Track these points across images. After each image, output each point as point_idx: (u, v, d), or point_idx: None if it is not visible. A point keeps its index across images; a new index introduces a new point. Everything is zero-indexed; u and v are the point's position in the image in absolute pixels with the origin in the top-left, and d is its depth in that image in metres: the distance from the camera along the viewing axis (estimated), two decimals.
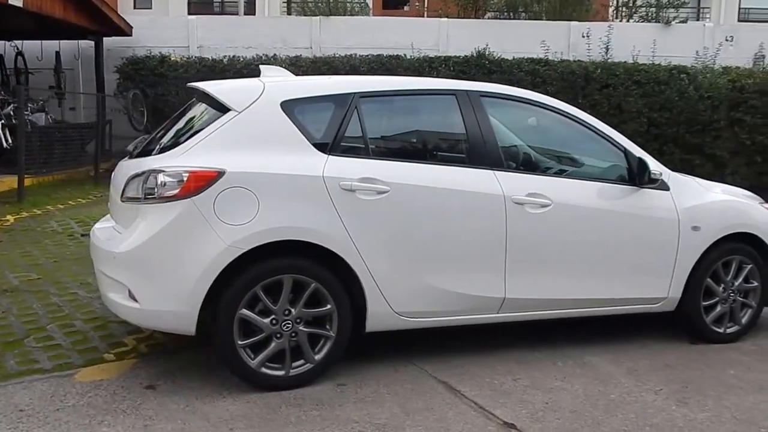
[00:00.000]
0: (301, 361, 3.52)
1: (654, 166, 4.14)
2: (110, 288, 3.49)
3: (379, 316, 3.63)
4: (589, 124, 4.24)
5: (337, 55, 10.95)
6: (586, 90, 10.11)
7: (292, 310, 3.45)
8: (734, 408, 3.49)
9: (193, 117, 3.94)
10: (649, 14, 12.22)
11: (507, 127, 4.05)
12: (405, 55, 10.86)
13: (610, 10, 13.06)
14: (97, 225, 4.09)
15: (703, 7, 15.23)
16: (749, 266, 4.48)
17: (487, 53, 10.62)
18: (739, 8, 17.42)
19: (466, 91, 3.99)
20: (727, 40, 10.92)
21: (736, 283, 4.45)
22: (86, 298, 4.87)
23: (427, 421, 3.22)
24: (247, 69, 10.81)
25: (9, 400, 3.32)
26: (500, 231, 3.81)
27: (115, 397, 3.38)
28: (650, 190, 4.18)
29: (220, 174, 3.32)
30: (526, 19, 12.00)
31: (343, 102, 3.70)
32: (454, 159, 3.92)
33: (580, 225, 4.01)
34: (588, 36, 10.94)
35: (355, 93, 3.75)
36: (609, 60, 10.60)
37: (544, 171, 4.11)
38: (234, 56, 11.15)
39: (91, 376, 3.62)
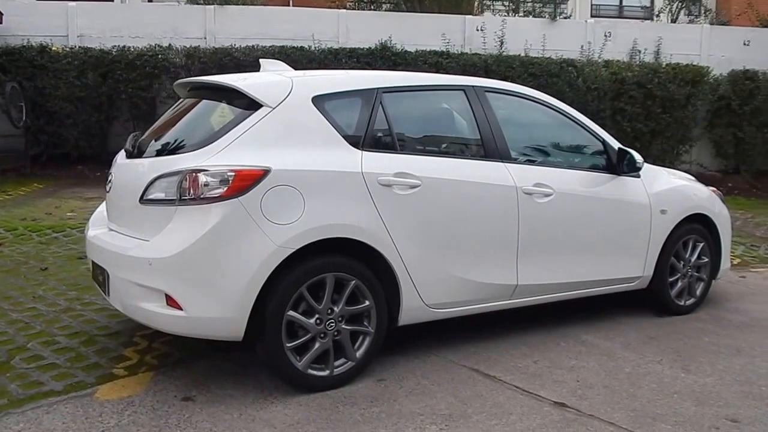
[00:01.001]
0: (342, 360, 3.48)
1: (637, 156, 4.49)
2: (142, 297, 3.23)
3: (412, 310, 3.67)
4: (574, 117, 4.53)
5: (237, 46, 10.57)
6: None
7: (335, 308, 3.40)
8: (729, 371, 3.91)
9: (209, 114, 3.75)
10: (535, 9, 13.00)
11: (508, 121, 4.20)
12: (309, 46, 10.73)
13: (497, 4, 13.68)
14: (92, 231, 3.76)
15: (559, 3, 16.19)
16: (702, 244, 4.99)
17: (389, 45, 10.75)
18: (591, 5, 18.75)
19: (473, 86, 4.11)
20: (606, 36, 11.86)
21: (693, 260, 4.95)
22: (50, 312, 4.44)
23: (486, 407, 3.31)
24: (141, 60, 10.21)
25: (38, 426, 3.00)
26: (514, 220, 3.97)
27: (157, 412, 3.16)
28: (627, 177, 4.54)
29: (266, 172, 3.19)
30: (421, 12, 12.25)
31: (369, 97, 3.68)
32: (470, 152, 4.02)
33: (576, 212, 4.27)
34: (482, 29, 11.40)
35: (378, 88, 3.74)
36: (504, 53, 11.13)
37: (542, 162, 4.31)
38: (124, 46, 10.42)
39: (113, 393, 3.35)
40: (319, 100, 3.52)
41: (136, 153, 3.74)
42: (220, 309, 3.16)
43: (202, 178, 3.14)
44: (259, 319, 3.22)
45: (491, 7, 13.55)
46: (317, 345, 3.37)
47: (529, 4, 13.50)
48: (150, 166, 3.47)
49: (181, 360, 3.77)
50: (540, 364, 3.91)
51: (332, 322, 3.39)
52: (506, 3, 13.57)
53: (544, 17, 12.39)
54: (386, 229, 3.49)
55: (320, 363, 3.41)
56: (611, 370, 3.86)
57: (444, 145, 4.01)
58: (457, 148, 4.03)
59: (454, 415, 3.23)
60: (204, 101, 3.88)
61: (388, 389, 3.49)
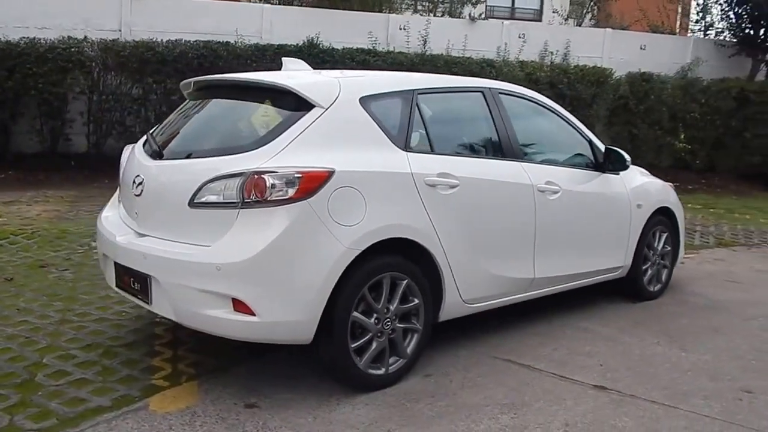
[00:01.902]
0: (395, 358, 3.54)
1: (626, 155, 4.85)
2: (205, 304, 3.11)
3: (452, 306, 3.79)
4: (567, 118, 4.82)
5: (159, 41, 10.11)
6: None
7: (391, 307, 3.46)
8: (719, 349, 4.34)
9: (247, 113, 3.67)
10: (452, 9, 13.38)
11: (518, 122, 4.40)
12: (236, 42, 10.47)
13: (413, 3, 13.92)
14: (120, 237, 3.55)
15: (458, 3, 16.62)
16: (666, 234, 5.47)
17: (317, 42, 10.72)
18: (486, 6, 19.49)
19: (489, 88, 4.28)
20: (520, 37, 12.45)
21: (659, 249, 5.40)
22: (46, 325, 4.15)
23: (539, 394, 3.50)
24: (53, 53, 9.53)
25: None
26: (532, 217, 4.19)
27: (228, 421, 3.08)
28: (610, 175, 4.89)
29: (330, 174, 3.18)
30: (341, 9, 12.26)
31: (407, 98, 3.75)
32: (493, 152, 4.18)
33: (577, 208, 4.56)
34: (405, 28, 11.62)
35: (414, 89, 3.81)
36: (427, 52, 11.42)
37: (547, 161, 4.54)
38: (34, 38, 9.66)
39: (168, 405, 3.22)
40: (365, 101, 3.54)
41: (166, 154, 3.57)
42: (292, 313, 3.12)
43: (269, 180, 3.07)
44: (325, 321, 3.20)
45: (403, 6, 13.77)
46: (375, 344, 3.41)
47: (447, 4, 13.87)
48: (197, 168, 3.32)
49: (218, 367, 3.66)
50: (559, 351, 4.15)
51: (388, 321, 3.45)
52: (424, 3, 13.86)
53: (463, 18, 12.80)
54: (433, 228, 3.58)
55: (376, 362, 3.45)
56: (623, 353, 4.17)
57: (472, 146, 4.14)
58: (483, 149, 4.18)
59: (516, 403, 3.39)
60: (233, 101, 3.79)
61: (439, 384, 3.58)
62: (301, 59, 10.68)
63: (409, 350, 3.58)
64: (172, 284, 3.22)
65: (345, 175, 3.24)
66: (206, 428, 3.02)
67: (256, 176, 3.08)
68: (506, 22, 13.33)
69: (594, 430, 3.15)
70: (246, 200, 3.09)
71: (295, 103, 3.41)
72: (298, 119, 3.33)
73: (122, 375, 3.52)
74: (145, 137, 4.02)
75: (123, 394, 3.30)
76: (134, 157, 3.80)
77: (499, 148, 4.18)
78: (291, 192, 3.08)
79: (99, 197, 8.55)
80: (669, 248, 5.51)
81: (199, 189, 3.20)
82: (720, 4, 14.35)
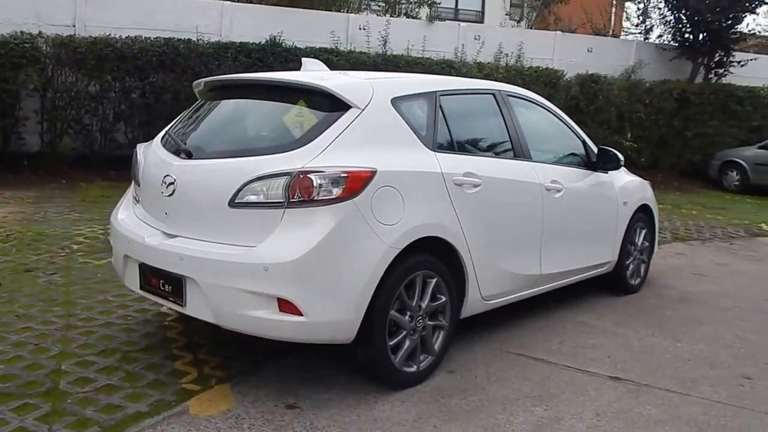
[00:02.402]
0: (425, 355, 3.62)
1: (619, 155, 5.07)
2: (249, 305, 3.10)
3: (473, 303, 3.90)
4: (564, 118, 5.01)
5: (118, 37, 9.82)
6: None
7: (422, 305, 3.53)
8: (708, 338, 4.61)
9: (277, 112, 3.66)
10: (408, 10, 13.53)
11: (524, 123, 4.55)
12: (198, 39, 10.28)
13: (373, 5, 13.98)
14: (150, 239, 3.49)
15: (403, 3, 16.81)
16: (645, 230, 5.75)
17: (279, 41, 10.65)
18: (432, 7, 19.75)
19: (500, 91, 4.42)
20: (475, 39, 12.71)
21: (639, 245, 5.68)
22: (52, 332, 4.02)
23: (562, 386, 3.65)
24: (5, 48, 9.15)
25: None
26: (540, 214, 4.36)
27: (276, 423, 3.08)
28: (602, 174, 5.11)
29: (373, 173, 3.22)
30: (299, 8, 12.21)
31: (432, 100, 3.83)
32: (506, 152, 4.30)
33: (577, 205, 4.76)
34: (365, 28, 11.69)
35: (437, 91, 3.90)
36: (387, 52, 11.52)
37: (550, 160, 4.71)
38: None
39: (208, 409, 3.19)
40: (396, 102, 3.60)
41: (197, 154, 3.53)
42: (339, 312, 3.15)
43: (316, 179, 3.09)
44: (365, 319, 3.25)
45: (362, 6, 13.83)
46: (408, 342, 3.48)
47: (403, 5, 14.00)
48: (237, 167, 3.28)
49: (244, 370, 3.64)
50: (566, 345, 4.32)
51: (420, 319, 3.52)
52: (380, 4, 13.95)
53: (420, 19, 12.96)
54: (460, 227, 3.68)
55: (409, 360, 3.52)
56: (624, 345, 4.37)
57: (488, 146, 4.26)
58: (498, 149, 4.29)
59: (544, 396, 3.52)
60: (263, 101, 3.77)
61: (465, 380, 3.68)
62: (263, 58, 10.70)
63: (436, 347, 3.67)
64: (213, 285, 3.18)
65: (386, 175, 3.29)
66: (255, 430, 3.02)
67: (302, 176, 3.10)
68: (462, 24, 13.57)
69: (623, 419, 3.32)
70: (292, 200, 3.10)
71: (331, 104, 3.43)
72: (336, 120, 3.36)
73: (149, 380, 3.46)
74: (162, 136, 3.97)
75: (157, 399, 3.25)
76: (157, 156, 3.73)
77: (510, 148, 4.32)
78: (337, 192, 3.11)
79: (60, 198, 8.32)
80: (647, 244, 5.80)
81: (241, 189, 3.18)
82: (659, 9, 15.04)
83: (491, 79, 11.65)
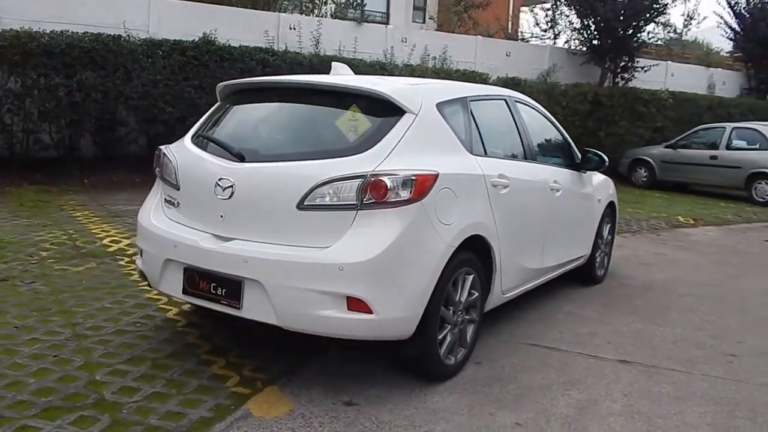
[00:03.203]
0: (460, 348, 3.77)
1: (604, 156, 5.43)
2: (320, 305, 3.13)
3: (496, 296, 4.10)
4: (554, 122, 5.33)
5: (42, 31, 9.22)
6: None
7: (462, 300, 3.69)
8: (682, 323, 5.05)
9: (329, 116, 3.68)
10: (336, 11, 13.55)
11: (528, 127, 4.79)
12: (129, 36, 9.85)
13: (303, 5, 13.86)
14: (205, 243, 3.42)
15: (356, 6, 16.74)
16: (610, 224, 6.19)
17: (212, 39, 10.41)
18: (336, 6, 19.85)
19: (509, 96, 4.68)
20: (403, 42, 12.95)
21: (605, 238, 6.10)
22: (64, 342, 3.84)
23: (583, 372, 3.92)
24: None
25: None
26: (546, 213, 4.65)
27: (343, 419, 3.14)
28: (583, 174, 5.46)
29: (436, 176, 3.34)
30: (233, 6, 11.96)
31: (465, 105, 4.00)
32: (520, 154, 4.53)
33: (569, 203, 5.08)
34: (295, 28, 11.63)
35: (467, 96, 4.08)
36: (319, 53, 11.53)
37: (549, 162, 4.99)
38: None
39: (270, 411, 3.20)
40: (440, 107, 3.73)
41: (250, 157, 3.48)
42: (405, 309, 3.24)
43: (389, 182, 3.18)
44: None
45: (290, 6, 13.73)
46: (450, 336, 3.63)
47: (329, 6, 14.02)
48: (304, 171, 3.29)
49: (284, 371, 3.64)
50: (566, 334, 4.61)
51: (460, 314, 3.68)
52: (308, 4, 13.90)
53: (350, 20, 13.05)
54: (495, 226, 3.87)
55: (449, 353, 3.66)
56: (616, 331, 4.72)
57: (508, 148, 4.46)
58: (515, 151, 4.50)
59: (572, 381, 3.77)
60: (311, 105, 3.78)
61: (495, 370, 3.87)
62: (198, 56, 10.45)
63: (469, 340, 3.84)
64: (281, 287, 3.18)
65: (445, 178, 3.42)
66: (328, 428, 3.06)
67: (375, 179, 3.17)
68: (389, 26, 13.81)
69: (648, 398, 3.62)
70: (364, 202, 3.17)
71: (385, 109, 3.51)
72: (394, 124, 3.44)
73: (193, 386, 3.40)
74: (192, 138, 3.90)
75: (215, 404, 3.21)
76: (201, 159, 3.65)
77: (521, 151, 4.56)
78: (406, 194, 3.21)
79: None
80: (610, 237, 6.24)
81: (311, 191, 3.21)
82: (566, 15, 15.94)
83: None
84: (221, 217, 3.45)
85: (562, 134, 5.37)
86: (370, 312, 3.13)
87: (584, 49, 15.44)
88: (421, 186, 3.25)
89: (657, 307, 5.44)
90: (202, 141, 3.83)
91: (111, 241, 6.09)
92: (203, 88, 10.01)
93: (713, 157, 13.21)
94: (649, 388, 3.75)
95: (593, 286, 5.92)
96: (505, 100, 4.60)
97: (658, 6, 14.80)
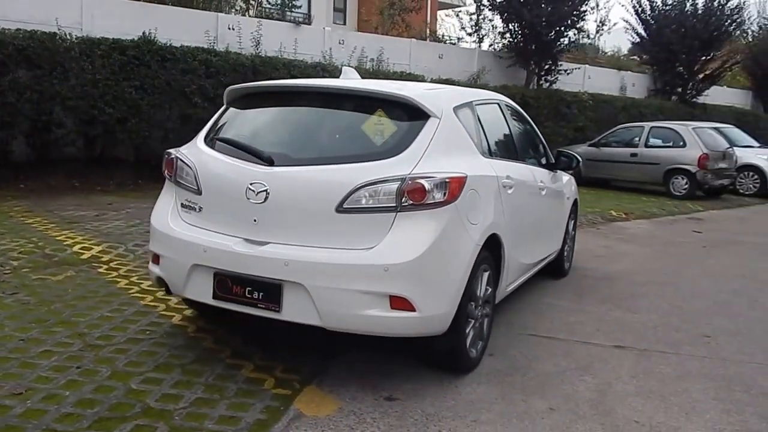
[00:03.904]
0: (478, 341, 3.96)
1: (578, 156, 5.75)
2: (365, 305, 3.22)
3: (502, 291, 4.31)
4: (532, 124, 5.59)
5: None
6: (255, 81, 10.76)
7: (481, 295, 3.87)
8: (653, 310, 5.44)
9: (353, 120, 3.76)
10: (272, 11, 13.41)
11: (515, 130, 5.04)
12: (66, 34, 9.42)
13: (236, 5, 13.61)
14: (241, 248, 3.42)
15: (291, 7, 16.52)
16: (573, 220, 6.55)
17: (152, 38, 10.12)
18: (261, 6, 19.67)
19: (500, 100, 4.89)
20: (340, 43, 13.02)
21: (570, 233, 6.47)
22: (80, 353, 3.74)
23: (586, 358, 4.19)
24: None
25: None
26: (537, 210, 4.90)
27: (392, 413, 3.25)
28: (555, 173, 5.78)
29: (465, 178, 3.49)
30: (170, 5, 11.63)
31: (473, 109, 4.17)
32: (514, 156, 4.74)
33: (549, 201, 5.37)
34: (234, 29, 11.47)
35: (473, 101, 4.25)
36: (260, 54, 11.42)
37: (533, 162, 5.25)
38: None
39: (320, 410, 3.27)
40: (456, 111, 3.89)
41: (280, 161, 3.50)
42: (443, 305, 3.38)
43: (427, 184, 3.30)
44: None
45: (227, 6, 13.50)
46: (472, 331, 3.80)
47: (263, 8, 13.88)
48: (341, 174, 3.36)
49: (314, 371, 3.69)
50: (555, 323, 4.89)
51: (479, 308, 3.86)
52: (241, 5, 13.70)
53: (285, 21, 12.99)
54: (505, 225, 4.07)
55: (471, 346, 3.83)
56: (599, 319, 5.05)
57: (507, 150, 4.66)
58: (511, 153, 4.71)
59: (582, 367, 4.03)
60: (333, 109, 3.84)
61: (508, 360, 4.07)
62: (139, 56, 10.18)
63: (485, 333, 4.02)
64: (324, 288, 3.24)
65: (472, 179, 3.57)
66: (382, 423, 3.16)
67: (413, 182, 3.28)
68: (327, 28, 13.83)
69: (654, 378, 3.93)
70: (403, 204, 3.28)
71: (410, 113, 3.63)
72: (422, 128, 3.56)
73: (233, 390, 3.41)
74: (205, 141, 3.88)
75: (263, 407, 3.24)
76: (226, 163, 3.63)
77: (515, 152, 4.80)
78: (442, 196, 3.34)
79: None
80: (574, 232, 6.61)
81: (350, 194, 3.28)
82: (490, 20, 16.51)
83: None
84: (254, 221, 3.47)
85: (538, 135, 5.65)
86: (413, 310, 3.25)
87: (510, 52, 16.02)
88: (454, 188, 3.40)
89: (625, 295, 5.83)
90: (222, 145, 3.81)
91: (81, 249, 5.88)
92: (144, 89, 9.77)
93: (633, 155, 14.05)
94: (651, 370, 4.06)
95: (562, 278, 6.25)
96: (498, 104, 4.82)
97: (578, 12, 15.58)
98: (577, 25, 15.76)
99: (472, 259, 3.53)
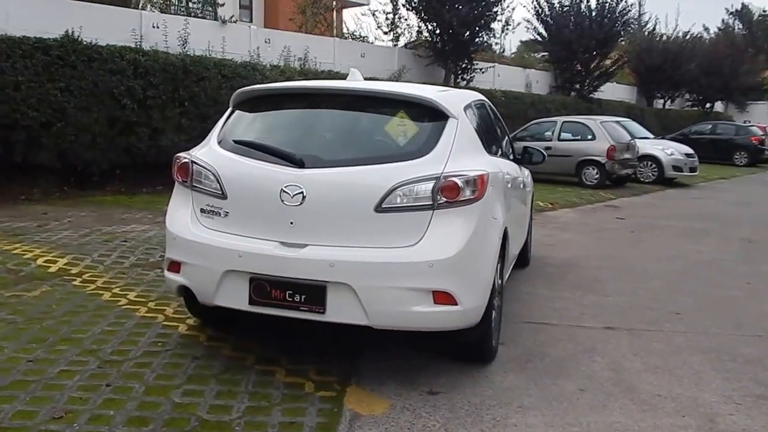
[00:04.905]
0: (496, 331, 4.13)
1: (543, 151, 6.03)
2: (411, 301, 3.30)
3: (503, 281, 4.50)
4: (503, 122, 5.83)
5: None
6: (185, 82, 10.41)
7: (498, 287, 4.05)
8: (619, 291, 5.84)
9: (375, 121, 3.82)
10: (199, 10, 12.99)
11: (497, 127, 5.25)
12: None
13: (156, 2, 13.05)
14: (284, 251, 3.41)
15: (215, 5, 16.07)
16: (531, 212, 6.88)
17: (77, 37, 9.60)
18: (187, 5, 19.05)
19: (485, 99, 5.06)
20: (266, 42, 12.83)
21: (530, 224, 6.79)
22: (98, 371, 3.59)
23: (586, 341, 4.46)
24: None
25: None
26: (522, 204, 5.15)
27: (440, 406, 3.36)
28: (521, 167, 6.05)
29: (488, 175, 3.64)
30: (90, 2, 11.02)
31: (473, 109, 4.33)
32: (503, 153, 4.95)
33: (525, 195, 5.64)
34: (158, 27, 11.08)
35: (472, 101, 4.41)
36: (187, 52, 11.10)
37: (511, 158, 5.47)
38: None
39: (373, 408, 3.32)
40: (465, 110, 4.02)
41: (311, 163, 3.50)
42: (479, 298, 3.52)
43: (460, 182, 3.41)
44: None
45: (148, 4, 12.98)
46: (493, 321, 3.97)
47: (186, 6, 13.46)
48: (377, 174, 3.41)
49: (346, 372, 3.71)
50: (543, 310, 5.16)
51: (497, 298, 4.03)
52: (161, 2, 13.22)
53: (214, 20, 12.67)
54: (508, 219, 4.26)
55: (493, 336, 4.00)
56: (579, 303, 5.37)
57: (497, 148, 4.83)
58: (500, 150, 4.90)
59: (588, 349, 4.29)
60: (353, 111, 3.86)
61: (520, 348, 4.27)
62: (63, 56, 9.67)
63: (499, 323, 4.20)
64: (373, 287, 3.29)
65: (491, 177, 3.72)
66: (438, 416, 3.26)
67: (446, 180, 3.39)
68: (253, 26, 13.61)
69: (652, 354, 4.25)
70: (439, 202, 3.38)
71: (430, 114, 3.72)
72: (443, 129, 3.66)
73: (278, 396, 3.39)
74: (218, 144, 3.82)
75: (317, 410, 3.26)
76: (254, 167, 3.58)
77: (502, 149, 5.00)
78: (472, 193, 3.47)
79: None
80: (530, 223, 6.93)
81: (388, 194, 3.34)
82: (405, 19, 16.82)
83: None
84: (291, 223, 3.46)
85: (506, 132, 5.90)
86: (455, 304, 3.36)
87: (429, 51, 16.39)
88: (481, 185, 3.53)
89: (589, 280, 6.20)
90: (243, 148, 3.75)
91: (45, 262, 5.56)
92: (70, 91, 9.28)
93: (548, 148, 14.71)
94: (647, 347, 4.38)
95: (526, 267, 6.56)
96: (484, 103, 5.01)
97: (490, 13, 16.17)
98: (491, 26, 16.36)
99: (497, 252, 3.70)
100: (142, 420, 3.06)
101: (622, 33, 21.88)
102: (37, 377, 3.46)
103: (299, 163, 3.51)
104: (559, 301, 5.40)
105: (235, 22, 13.66)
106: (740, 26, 47.85)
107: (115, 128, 9.80)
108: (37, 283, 5.05)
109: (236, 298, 3.52)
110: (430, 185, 3.39)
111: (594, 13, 20.54)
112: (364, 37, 17.18)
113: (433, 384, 3.63)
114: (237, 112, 4.07)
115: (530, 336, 4.49)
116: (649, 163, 16.05)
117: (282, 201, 3.44)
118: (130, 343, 3.98)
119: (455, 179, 3.42)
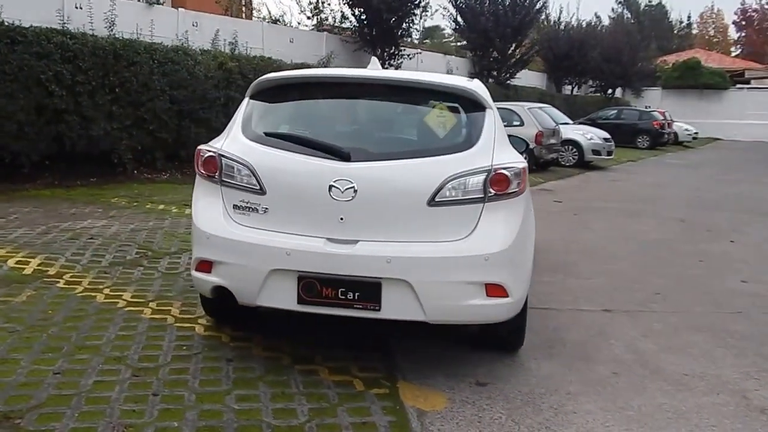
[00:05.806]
0: None
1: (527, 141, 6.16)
2: (466, 295, 3.31)
3: None
4: None
5: None
6: (115, 67, 9.84)
7: None
8: (597, 274, 6.11)
9: (412, 113, 3.80)
10: None
11: None
12: None
13: None
14: (335, 247, 3.32)
15: None
16: None
17: None
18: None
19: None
20: (194, 26, 12.30)
21: None
22: (135, 380, 3.41)
23: (591, 326, 4.63)
24: None
25: None
26: None
27: (495, 398, 3.41)
28: None
29: (527, 168, 3.70)
30: None
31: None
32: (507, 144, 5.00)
33: None
34: (82, 7, 10.40)
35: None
36: (113, 35, 10.49)
37: None
38: None
39: (433, 404, 3.32)
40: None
41: (357, 156, 3.41)
42: (524, 289, 3.59)
43: (510, 175, 3.45)
44: None
45: None
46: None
47: None
48: (429, 168, 3.38)
49: (387, 366, 3.72)
50: (539, 296, 5.22)
51: None
52: None
53: (140, 1, 12.01)
54: None
55: None
56: (569, 289, 5.57)
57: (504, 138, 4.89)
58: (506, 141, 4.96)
59: (600, 333, 4.47)
60: (390, 102, 3.80)
61: (537, 335, 4.34)
62: None
63: None
64: (430, 282, 3.28)
65: (522, 167, 3.78)
66: (498, 407, 3.31)
67: (496, 172, 3.42)
68: (180, 9, 12.98)
69: (659, 335, 4.49)
70: (489, 194, 3.41)
71: (468, 105, 3.72)
72: (484, 120, 3.68)
73: (333, 396, 3.32)
74: (242, 137, 3.67)
75: (381, 408, 3.23)
76: (298, 161, 3.45)
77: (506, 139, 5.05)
78: (518, 185, 3.52)
79: None
80: None
81: (441, 188, 3.33)
82: (328, 4, 16.65)
83: (226, 68, 11.69)
84: (341, 219, 3.38)
85: None
86: (507, 296, 3.40)
87: (357, 37, 16.31)
88: (524, 177, 3.58)
89: (562, 264, 6.44)
90: (277, 141, 3.61)
91: (16, 263, 5.17)
92: None
93: None
94: (650, 327, 4.63)
95: None
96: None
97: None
98: (415, 12, 16.45)
99: (533, 243, 3.78)
100: (212, 429, 2.94)
101: (534, 21, 22.62)
102: (73, 390, 3.23)
103: (346, 157, 3.43)
104: (546, 286, 5.57)
105: (161, 3, 13.02)
106: (629, 15, 50.74)
107: (44, 117, 9.16)
108: (17, 286, 4.69)
109: (283, 297, 3.41)
110: (481, 178, 3.41)
111: (508, 2, 21.11)
112: (281, 19, 16.77)
113: (477, 375, 3.68)
114: (255, 102, 3.89)
115: (540, 322, 4.62)
116: (571, 147, 16.76)
117: (331, 196, 3.36)
118: (154, 348, 3.78)
119: (505, 171, 3.45)
